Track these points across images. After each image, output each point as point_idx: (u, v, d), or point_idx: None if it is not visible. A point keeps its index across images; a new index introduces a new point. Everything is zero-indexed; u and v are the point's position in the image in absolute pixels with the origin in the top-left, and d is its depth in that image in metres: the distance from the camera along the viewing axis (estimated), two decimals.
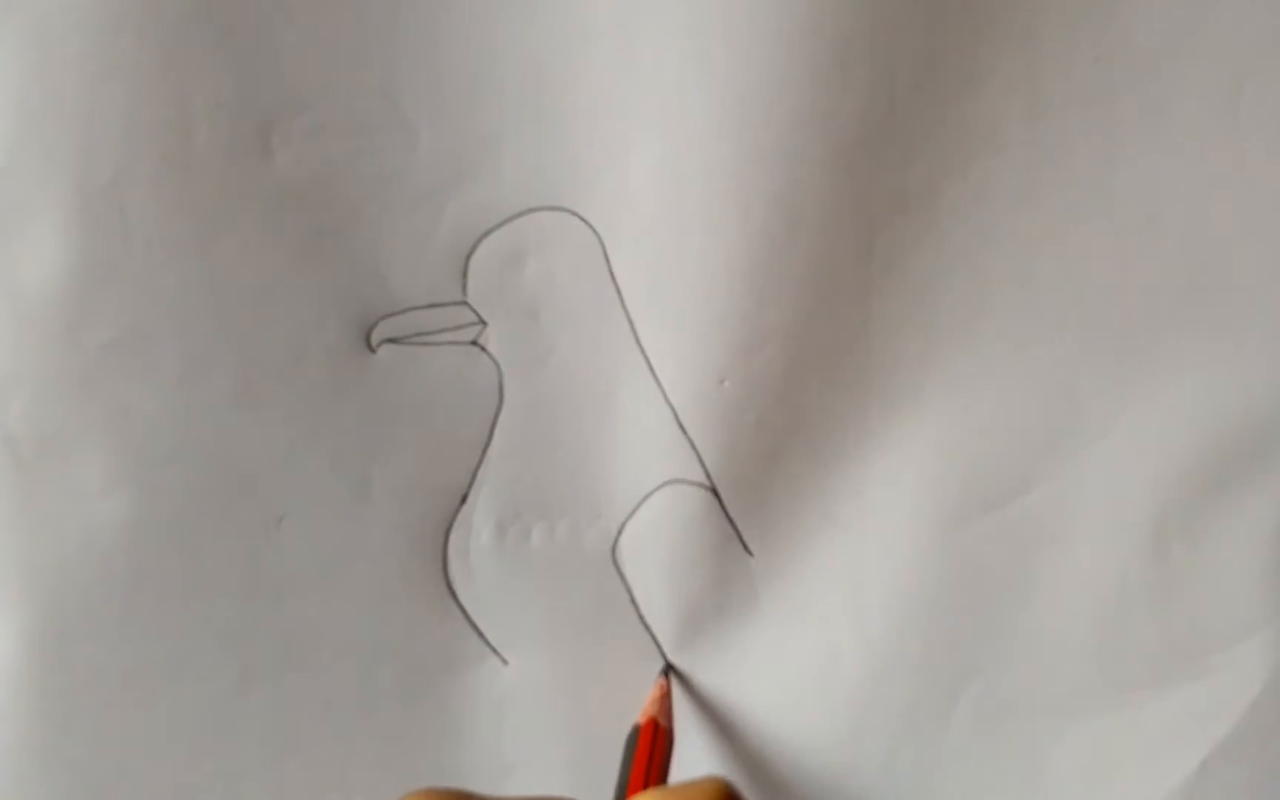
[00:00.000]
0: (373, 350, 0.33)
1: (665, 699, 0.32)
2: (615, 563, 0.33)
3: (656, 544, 0.33)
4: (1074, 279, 0.31)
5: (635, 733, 0.31)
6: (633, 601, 0.33)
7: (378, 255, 0.33)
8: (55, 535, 0.32)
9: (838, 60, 0.32)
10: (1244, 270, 0.31)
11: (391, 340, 0.33)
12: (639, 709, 0.32)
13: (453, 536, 0.33)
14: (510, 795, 0.27)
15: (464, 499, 0.33)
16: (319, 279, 0.33)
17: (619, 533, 0.33)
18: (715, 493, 0.33)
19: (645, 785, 0.29)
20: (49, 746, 0.32)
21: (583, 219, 0.33)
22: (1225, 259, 0.31)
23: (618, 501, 0.33)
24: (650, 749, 0.30)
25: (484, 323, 0.33)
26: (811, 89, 0.32)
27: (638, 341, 0.33)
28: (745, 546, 0.33)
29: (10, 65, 0.31)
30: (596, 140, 0.32)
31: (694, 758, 0.33)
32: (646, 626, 0.33)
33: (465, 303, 0.33)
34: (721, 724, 0.33)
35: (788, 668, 0.32)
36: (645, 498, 0.33)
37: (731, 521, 0.33)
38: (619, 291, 0.33)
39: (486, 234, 0.33)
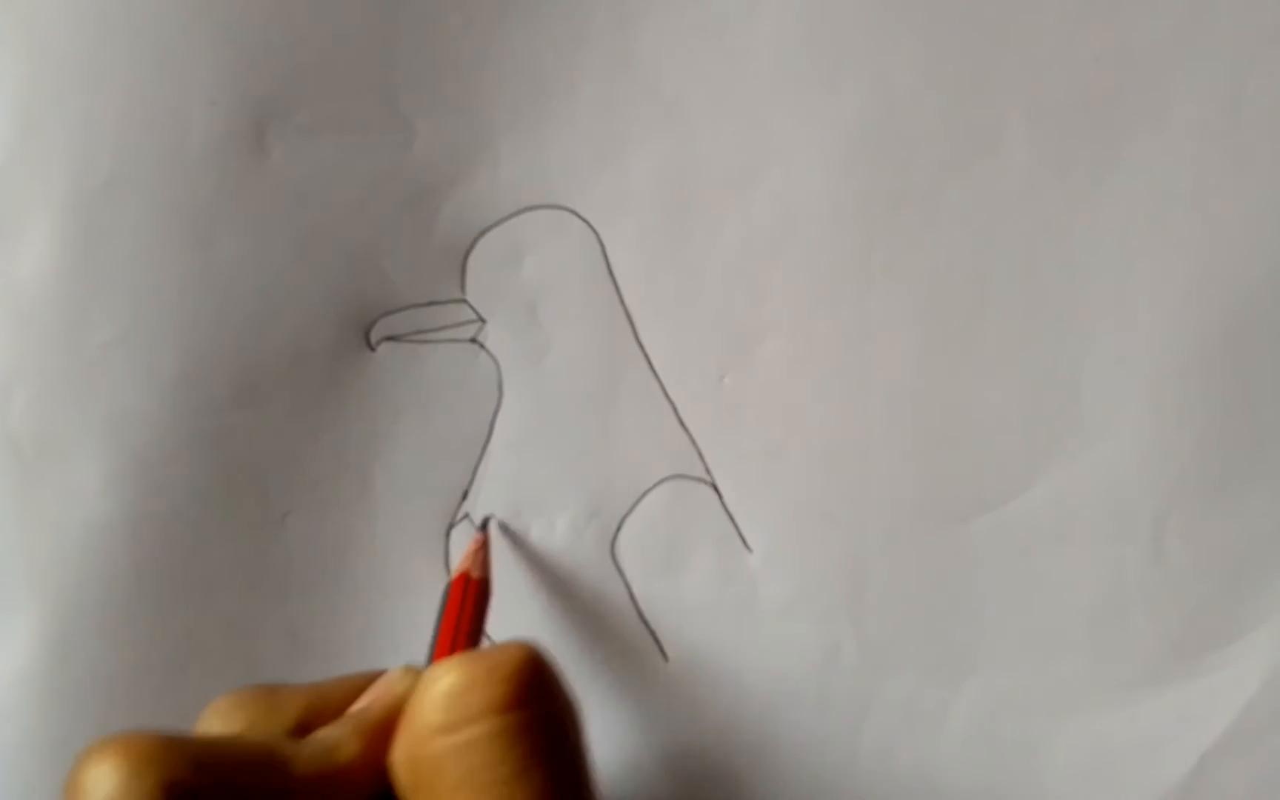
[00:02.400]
0: (372, 348, 0.33)
1: (480, 551, 0.32)
2: (614, 558, 0.33)
3: (656, 540, 0.33)
4: (1074, 279, 0.32)
5: (447, 588, 0.30)
6: (631, 597, 0.33)
7: (376, 253, 0.33)
8: (57, 534, 0.32)
9: (838, 60, 0.32)
10: (1245, 270, 0.31)
11: (391, 338, 0.33)
12: (637, 703, 0.33)
13: (454, 533, 0.33)
14: (316, 681, 0.28)
15: (465, 495, 0.33)
16: (317, 277, 0.32)
17: (618, 528, 0.33)
18: (715, 489, 0.33)
19: (455, 638, 0.29)
20: (54, 745, 0.32)
21: (581, 217, 0.33)
22: (1226, 259, 0.31)
23: (617, 497, 0.33)
24: (460, 603, 0.29)
25: (483, 320, 0.33)
26: (811, 89, 0.32)
27: (637, 338, 0.33)
28: (745, 543, 0.33)
29: (9, 66, 0.31)
30: (595, 139, 0.32)
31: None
32: (645, 622, 0.33)
33: (464, 300, 0.33)
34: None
35: (786, 664, 0.33)
36: (644, 494, 0.33)
37: (731, 518, 0.33)
38: (618, 289, 0.33)
39: (485, 232, 0.33)
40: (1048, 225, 0.31)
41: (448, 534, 0.33)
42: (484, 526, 0.33)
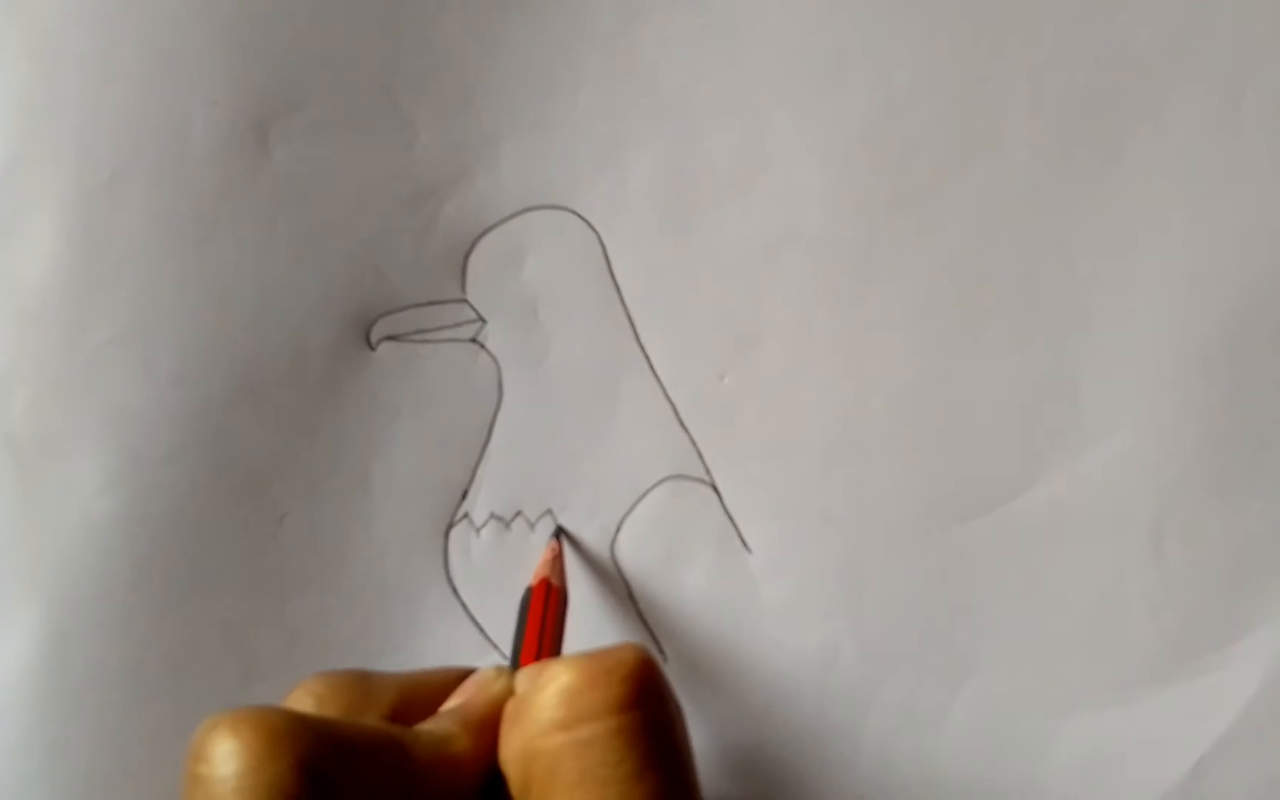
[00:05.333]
0: (372, 347, 0.33)
1: (557, 560, 0.32)
2: (614, 558, 0.33)
3: (655, 540, 0.33)
4: (1074, 279, 0.32)
5: (528, 595, 0.30)
6: (631, 597, 0.33)
7: (377, 252, 0.33)
8: (56, 534, 0.32)
9: (838, 60, 0.32)
10: (1245, 270, 0.31)
11: (391, 337, 0.33)
12: None
13: (453, 532, 0.33)
14: (406, 671, 0.28)
15: (464, 495, 0.33)
16: (318, 276, 0.32)
17: (618, 528, 0.33)
18: (715, 489, 0.33)
19: (540, 645, 0.29)
20: (52, 745, 0.32)
21: (582, 217, 0.33)
22: (1226, 259, 0.31)
23: (617, 497, 0.33)
24: (543, 610, 0.30)
25: (483, 320, 0.33)
26: (811, 89, 0.32)
27: (637, 338, 0.33)
28: (744, 543, 0.33)
29: (11, 65, 0.31)
30: (596, 139, 0.32)
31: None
32: (644, 622, 0.33)
33: (465, 300, 0.33)
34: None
35: (786, 664, 0.33)
36: (644, 494, 0.33)
37: (730, 518, 0.33)
38: (618, 289, 0.33)
39: (486, 232, 0.33)
40: (1048, 225, 0.31)
41: (446, 534, 0.33)
42: (557, 535, 0.33)
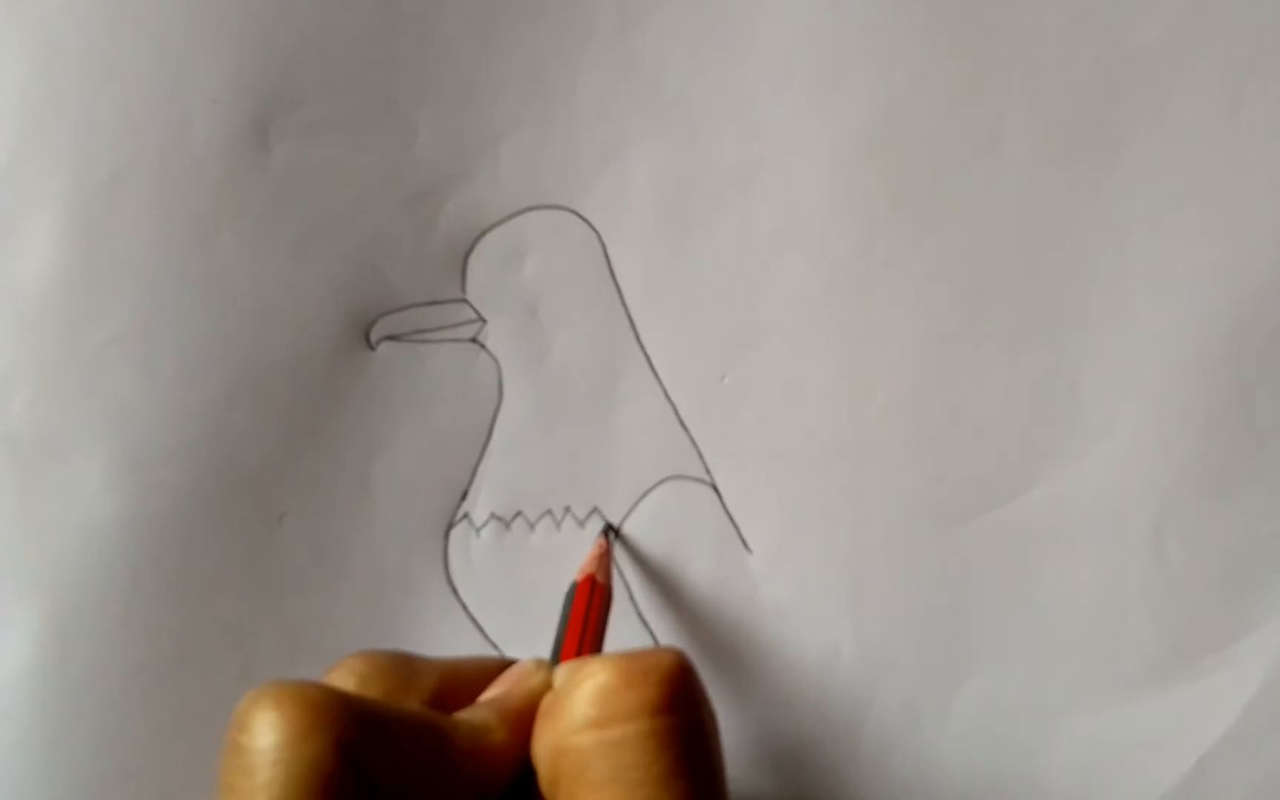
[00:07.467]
0: (372, 347, 0.33)
1: (604, 557, 0.32)
2: (614, 558, 0.33)
3: (656, 540, 0.33)
4: (1074, 279, 0.32)
5: (573, 589, 0.30)
6: (631, 598, 0.33)
7: (377, 252, 0.33)
8: (55, 534, 0.32)
9: (838, 60, 0.32)
10: (1244, 270, 0.31)
11: (391, 337, 0.33)
12: None
13: (453, 533, 0.33)
14: (449, 656, 0.28)
15: (464, 495, 0.33)
16: (318, 276, 0.32)
17: (618, 529, 0.33)
18: (715, 489, 0.33)
19: (581, 641, 0.29)
20: (51, 745, 0.32)
21: (582, 217, 0.33)
22: (1226, 259, 0.31)
23: (617, 497, 0.33)
24: (587, 605, 0.30)
25: (483, 320, 0.33)
26: (811, 89, 0.32)
27: (637, 338, 0.33)
28: (744, 543, 0.33)
29: (11, 64, 0.31)
30: (596, 139, 0.32)
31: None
32: (645, 622, 0.33)
33: (465, 300, 0.33)
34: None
35: (786, 664, 0.33)
36: (645, 494, 0.33)
37: (731, 518, 0.33)
38: (619, 288, 0.33)
39: (486, 231, 0.33)
40: (1048, 225, 0.31)
41: (446, 534, 0.33)
42: (606, 533, 0.33)
